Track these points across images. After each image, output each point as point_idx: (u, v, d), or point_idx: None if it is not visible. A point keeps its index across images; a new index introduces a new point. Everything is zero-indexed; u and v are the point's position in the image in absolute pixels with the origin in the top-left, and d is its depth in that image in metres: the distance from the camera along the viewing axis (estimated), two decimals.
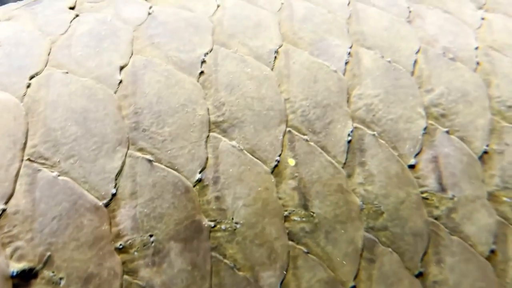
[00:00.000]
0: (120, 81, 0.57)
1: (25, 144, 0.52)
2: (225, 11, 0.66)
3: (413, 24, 0.69)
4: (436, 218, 0.58)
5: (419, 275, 0.57)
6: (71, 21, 0.62)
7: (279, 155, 0.56)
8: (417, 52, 0.66)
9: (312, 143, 0.58)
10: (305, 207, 0.55)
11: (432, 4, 0.74)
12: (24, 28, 0.61)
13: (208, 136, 0.56)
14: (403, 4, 0.72)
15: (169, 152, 0.54)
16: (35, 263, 0.49)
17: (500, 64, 0.67)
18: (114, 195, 0.52)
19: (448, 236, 0.58)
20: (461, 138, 0.61)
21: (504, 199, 0.60)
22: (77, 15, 0.63)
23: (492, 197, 0.60)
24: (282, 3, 0.68)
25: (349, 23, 0.67)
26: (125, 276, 0.51)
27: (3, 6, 0.68)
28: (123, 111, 0.55)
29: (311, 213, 0.55)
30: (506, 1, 0.77)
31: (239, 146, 0.56)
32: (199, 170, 0.54)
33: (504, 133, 0.63)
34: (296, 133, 0.58)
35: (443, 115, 0.63)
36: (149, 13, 0.64)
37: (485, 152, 0.61)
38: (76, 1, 0.66)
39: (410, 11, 0.71)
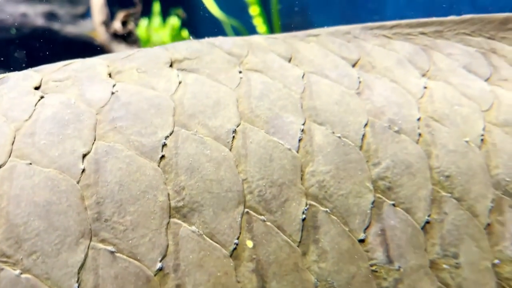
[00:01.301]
0: (83, 170, 0.55)
1: None
2: (186, 88, 0.65)
3: (362, 96, 0.71)
4: None
5: None
6: (36, 104, 0.60)
7: (238, 238, 0.56)
8: (365, 126, 0.67)
9: (269, 223, 0.58)
10: (262, 286, 0.56)
11: (380, 73, 0.75)
12: None
13: (168, 223, 0.55)
14: (354, 75, 0.73)
15: (130, 241, 0.53)
16: None
17: (439, 134, 0.69)
18: None
19: None
20: (406, 210, 0.63)
21: (444, 266, 0.63)
22: (41, 97, 0.61)
23: (433, 264, 0.62)
24: (241, 78, 0.68)
25: (303, 98, 0.68)
26: None
27: None
28: (86, 201, 0.54)
29: None
30: (446, 67, 0.79)
31: (198, 231, 0.56)
32: (159, 259, 0.54)
33: (443, 203, 0.65)
34: (254, 213, 0.58)
35: (389, 188, 0.64)
36: (113, 93, 0.63)
37: (427, 222, 0.63)
38: (41, 80, 0.64)
39: (360, 82, 0.73)
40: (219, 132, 0.62)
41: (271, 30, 3.07)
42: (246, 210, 0.58)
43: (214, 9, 2.95)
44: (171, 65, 0.69)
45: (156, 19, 2.48)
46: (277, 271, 0.56)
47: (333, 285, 0.58)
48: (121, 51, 2.31)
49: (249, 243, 0.57)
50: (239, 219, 0.57)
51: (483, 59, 0.84)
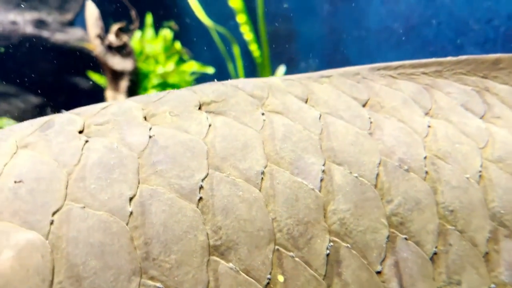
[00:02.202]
0: (131, 213, 0.59)
1: (52, 281, 0.54)
2: (216, 131, 0.69)
3: (374, 136, 0.76)
4: None
5: None
6: (82, 149, 0.63)
7: (270, 273, 0.61)
8: (378, 165, 0.72)
9: (297, 259, 0.62)
10: None
11: (389, 113, 0.80)
12: (42, 160, 0.61)
13: (208, 260, 0.59)
14: (365, 115, 0.78)
15: (176, 278, 0.57)
16: None
17: (443, 172, 0.75)
18: None
19: None
20: (416, 243, 0.68)
21: None
22: (86, 141, 0.64)
23: None
24: (264, 120, 0.72)
25: (321, 139, 0.72)
26: None
27: (18, 128, 0.68)
28: (135, 242, 0.57)
29: None
30: (447, 106, 0.85)
31: (235, 268, 0.60)
32: None
33: (448, 235, 0.71)
34: (283, 250, 0.62)
35: (401, 223, 0.69)
36: (150, 136, 0.66)
37: (435, 253, 0.69)
38: (84, 124, 0.67)
39: (371, 122, 0.78)
40: (249, 174, 0.65)
41: (257, 37, 3.11)
42: (276, 247, 0.62)
43: (203, 17, 2.98)
44: (199, 108, 0.73)
45: (149, 31, 2.50)
46: None
47: None
48: (116, 62, 2.33)
49: (280, 278, 0.61)
50: (271, 255, 0.62)
51: (478, 97, 0.90)
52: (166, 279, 0.57)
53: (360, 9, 2.90)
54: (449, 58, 0.93)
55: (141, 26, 2.51)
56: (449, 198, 0.74)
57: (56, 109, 0.76)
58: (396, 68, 0.90)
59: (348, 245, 0.65)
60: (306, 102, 0.78)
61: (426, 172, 0.75)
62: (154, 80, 2.40)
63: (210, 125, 0.70)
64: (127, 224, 0.58)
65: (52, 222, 0.56)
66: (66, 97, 2.93)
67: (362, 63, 2.75)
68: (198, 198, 0.62)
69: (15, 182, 0.58)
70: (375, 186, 0.70)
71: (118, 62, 2.39)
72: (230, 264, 0.60)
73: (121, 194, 0.60)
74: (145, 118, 0.70)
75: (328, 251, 0.64)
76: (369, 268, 0.66)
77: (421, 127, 0.80)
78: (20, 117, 2.62)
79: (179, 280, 0.58)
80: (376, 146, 0.74)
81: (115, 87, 2.41)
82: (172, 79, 2.41)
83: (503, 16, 2.23)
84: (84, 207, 0.58)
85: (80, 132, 0.66)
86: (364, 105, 0.81)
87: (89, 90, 2.92)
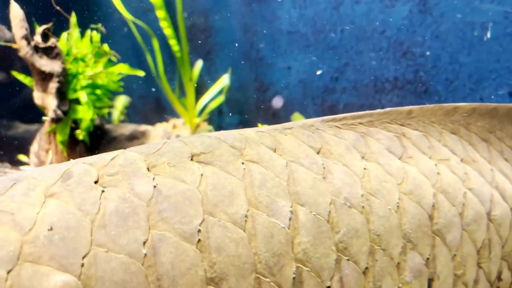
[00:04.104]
0: (145, 254, 0.69)
1: None
2: (207, 180, 0.80)
3: (326, 180, 0.91)
4: None
5: None
6: (100, 198, 0.72)
7: None
8: (330, 204, 0.88)
9: (272, 283, 0.77)
10: None
11: (336, 159, 0.97)
12: (68, 209, 0.69)
13: None
14: (319, 162, 0.93)
15: None
16: None
17: (374, 205, 0.94)
18: None
19: None
20: (355, 262, 0.87)
21: None
22: (103, 191, 0.73)
23: None
24: (244, 169, 0.85)
25: (288, 185, 0.86)
26: None
27: (41, 178, 0.74)
28: (149, 278, 0.69)
29: None
30: (377, 150, 1.04)
31: None
32: None
33: (375, 253, 0.90)
34: (262, 277, 0.77)
35: (345, 248, 0.86)
36: (154, 186, 0.76)
37: (366, 268, 0.88)
38: (98, 175, 0.76)
39: (324, 168, 0.93)
40: (235, 218, 0.78)
41: (176, 32, 3.16)
42: (257, 275, 0.76)
43: (122, 10, 2.97)
44: (191, 159, 0.83)
45: (75, 32, 2.47)
46: None
47: None
48: (44, 64, 2.30)
49: None
50: (253, 282, 0.76)
51: (398, 142, 1.09)
52: None
53: (272, 11, 3.05)
54: (378, 110, 1.11)
55: (67, 28, 2.48)
56: (377, 226, 0.92)
57: None
58: (340, 120, 1.07)
59: (308, 268, 0.81)
60: (275, 151, 0.92)
61: (363, 207, 0.92)
62: (83, 81, 2.40)
63: (202, 175, 0.81)
64: (142, 265, 0.69)
65: (82, 265, 0.65)
66: None
67: (275, 60, 2.97)
68: (197, 240, 0.74)
69: (48, 230, 0.66)
70: (328, 221, 0.86)
71: (45, 64, 2.35)
72: None
73: (136, 239, 0.70)
74: (148, 169, 0.79)
75: (294, 275, 0.80)
76: (322, 284, 0.82)
77: (359, 169, 0.97)
78: None
79: None
80: (328, 188, 0.90)
81: (44, 89, 2.38)
82: (100, 81, 2.43)
83: (394, 29, 2.51)
84: (108, 251, 0.68)
85: (95, 182, 0.75)
86: (318, 152, 0.96)
87: (3, 82, 2.84)
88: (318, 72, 2.81)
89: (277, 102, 3.10)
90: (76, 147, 2.48)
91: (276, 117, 3.07)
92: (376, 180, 0.98)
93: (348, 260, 0.86)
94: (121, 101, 3.15)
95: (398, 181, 1.00)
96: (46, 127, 2.46)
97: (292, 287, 0.79)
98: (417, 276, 0.95)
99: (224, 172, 0.83)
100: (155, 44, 3.15)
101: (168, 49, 3.27)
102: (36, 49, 2.36)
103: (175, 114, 3.34)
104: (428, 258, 0.98)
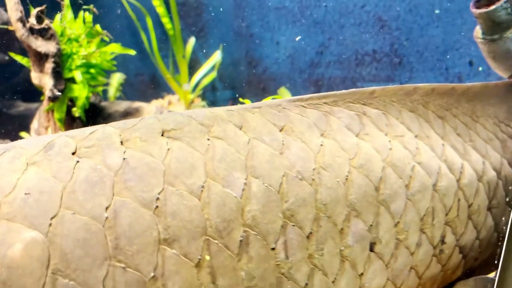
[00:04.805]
0: (106, 217, 0.76)
1: (48, 265, 0.72)
2: (172, 154, 0.86)
3: (283, 156, 0.96)
4: (282, 274, 0.89)
5: None
6: (74, 168, 0.79)
7: (200, 255, 0.82)
8: (282, 177, 0.93)
9: (220, 244, 0.83)
10: (213, 281, 0.82)
11: (297, 136, 1.01)
12: (45, 176, 0.77)
13: (158, 249, 0.78)
14: (280, 139, 0.99)
15: (135, 261, 0.76)
16: None
17: (323, 178, 0.99)
18: None
19: None
20: (300, 227, 0.93)
21: (315, 255, 0.95)
22: (77, 161, 0.80)
23: (309, 256, 0.95)
24: (209, 144, 0.91)
25: (247, 159, 0.92)
26: None
27: (27, 148, 0.81)
28: (108, 237, 0.76)
29: (214, 286, 0.82)
30: (336, 128, 1.09)
31: (177, 252, 0.80)
32: (152, 270, 0.77)
33: (320, 220, 0.96)
34: (211, 239, 0.83)
35: (292, 215, 0.92)
36: (124, 158, 0.83)
37: (310, 233, 0.95)
38: (76, 147, 0.83)
39: (283, 144, 0.98)
40: (192, 188, 0.84)
41: (169, 10, 3.21)
42: (207, 237, 0.83)
43: None
44: (162, 134, 0.89)
45: (68, 13, 2.54)
46: (223, 272, 0.83)
47: (254, 277, 0.87)
48: (40, 45, 2.39)
49: (207, 257, 0.82)
50: (202, 243, 0.82)
51: (357, 120, 1.14)
52: (128, 262, 0.76)
53: None
54: (342, 91, 1.17)
55: (60, 9, 2.55)
56: (324, 196, 0.98)
57: None
58: (306, 100, 1.12)
59: (255, 233, 0.87)
60: (241, 128, 0.97)
61: (313, 179, 0.98)
62: (78, 61, 2.48)
63: (168, 149, 0.87)
64: (103, 226, 0.76)
65: (50, 224, 0.74)
66: None
67: (264, 36, 3.01)
68: (155, 206, 0.80)
69: (25, 194, 0.75)
70: (278, 191, 0.92)
71: (41, 45, 2.43)
72: (174, 251, 0.80)
73: (100, 204, 0.77)
74: (121, 142, 0.85)
75: (241, 238, 0.86)
76: (267, 246, 0.88)
77: (315, 146, 1.02)
78: None
79: (137, 262, 0.77)
80: (283, 162, 0.96)
81: (40, 69, 2.47)
82: (94, 60, 2.51)
83: (372, 3, 2.56)
84: (74, 213, 0.75)
85: (73, 153, 0.82)
86: (281, 130, 1.01)
87: (2, 62, 2.93)
88: (297, 38, 2.84)
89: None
90: (74, 124, 2.58)
91: (266, 92, 3.15)
92: (329, 155, 1.03)
93: (293, 225, 0.93)
94: (116, 78, 3.23)
95: (350, 156, 1.06)
96: (45, 105, 2.56)
97: (238, 248, 0.86)
98: (359, 240, 1.02)
99: (189, 147, 0.89)
100: (149, 22, 3.21)
101: (162, 27, 3.33)
102: (32, 31, 2.44)
103: (170, 91, 3.43)
104: (371, 225, 1.04)
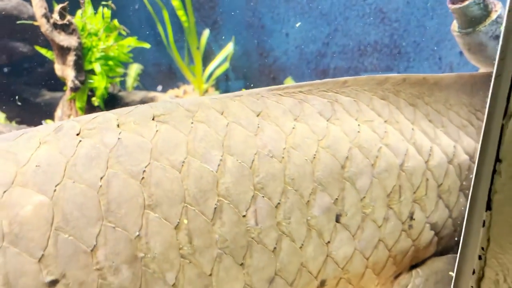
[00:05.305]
0: (100, 186, 0.87)
1: (52, 222, 0.82)
2: (160, 135, 0.96)
3: (257, 137, 1.04)
4: (252, 238, 0.97)
5: None
6: (77, 146, 0.90)
7: (179, 219, 0.90)
8: (254, 155, 1.01)
9: (197, 211, 0.92)
10: (190, 241, 0.91)
11: (272, 120, 1.09)
12: (53, 153, 0.89)
13: (143, 213, 0.88)
14: (256, 123, 1.07)
15: (123, 222, 0.86)
16: None
17: (292, 156, 1.06)
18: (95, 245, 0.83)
19: None
20: (269, 198, 1.00)
21: (281, 222, 1.02)
22: (80, 141, 0.91)
23: (278, 224, 1.01)
24: (192, 127, 1.00)
25: (224, 140, 1.00)
26: None
27: (41, 130, 0.93)
28: (101, 202, 0.86)
29: (191, 246, 0.91)
30: (309, 113, 1.15)
31: (159, 216, 0.89)
32: (138, 230, 0.87)
33: (287, 192, 1.02)
34: (189, 206, 0.92)
35: (262, 188, 0.99)
36: (119, 138, 0.93)
37: (278, 203, 1.00)
38: (80, 129, 0.94)
39: (258, 127, 1.06)
40: (174, 163, 0.93)
41: (183, 3, 3.35)
42: (185, 205, 0.91)
43: None
44: (153, 119, 0.99)
45: (88, 9, 2.71)
46: (198, 234, 0.92)
47: (226, 239, 0.94)
48: (62, 39, 2.56)
49: (185, 221, 0.91)
50: (181, 209, 0.90)
51: (330, 106, 1.20)
52: (117, 222, 0.86)
53: None
54: (316, 81, 1.25)
55: (80, 6, 2.71)
56: (292, 172, 1.05)
57: None
58: (283, 89, 1.21)
59: (228, 201, 0.95)
60: (222, 114, 1.05)
61: (283, 157, 1.05)
62: (97, 54, 2.65)
63: (157, 131, 0.96)
64: (97, 193, 0.86)
65: (55, 190, 0.84)
66: (6, 58, 3.11)
67: (275, 28, 3.13)
68: (141, 178, 0.90)
69: (36, 166, 0.87)
70: (250, 167, 1.00)
71: (64, 39, 2.61)
72: (156, 214, 0.89)
73: (96, 175, 0.88)
74: (118, 125, 0.96)
75: (216, 206, 0.94)
76: (239, 213, 0.96)
77: (288, 129, 1.09)
78: None
79: (125, 223, 0.87)
80: (256, 142, 1.03)
81: (63, 61, 2.66)
82: (112, 53, 2.68)
83: None
84: (74, 182, 0.86)
85: (77, 134, 0.93)
86: (258, 115, 1.08)
87: (29, 54, 3.12)
88: (297, 24, 2.93)
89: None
90: (93, 112, 2.76)
91: (276, 81, 3.27)
92: (300, 136, 1.10)
93: (263, 197, 1.00)
94: (134, 69, 3.40)
95: (319, 138, 1.12)
96: (67, 95, 2.75)
97: (213, 214, 0.94)
98: (325, 212, 1.08)
99: (175, 129, 0.98)
100: (165, 15, 3.35)
101: (178, 20, 3.48)
102: (55, 26, 2.62)
103: (186, 81, 3.58)
104: (337, 199, 1.10)
